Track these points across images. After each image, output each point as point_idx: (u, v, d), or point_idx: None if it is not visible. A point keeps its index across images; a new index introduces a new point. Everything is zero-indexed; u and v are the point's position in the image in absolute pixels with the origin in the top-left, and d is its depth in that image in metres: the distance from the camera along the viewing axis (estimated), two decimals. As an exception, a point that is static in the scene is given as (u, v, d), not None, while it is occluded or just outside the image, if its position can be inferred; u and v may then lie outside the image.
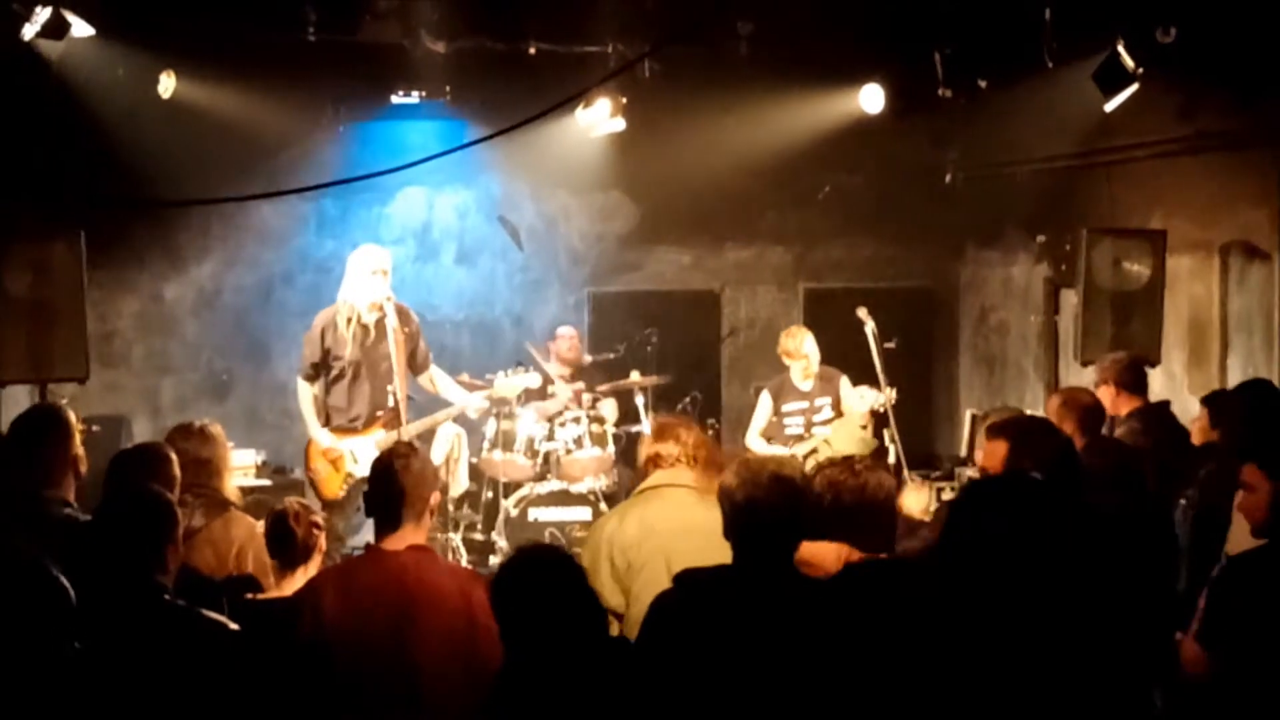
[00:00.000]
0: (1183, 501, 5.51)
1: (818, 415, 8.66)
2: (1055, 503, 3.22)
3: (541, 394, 9.21)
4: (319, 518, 5.04)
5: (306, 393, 7.69)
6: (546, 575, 3.52)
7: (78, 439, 5.06)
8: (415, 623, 4.09)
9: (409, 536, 4.24)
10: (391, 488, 4.25)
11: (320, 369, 7.64)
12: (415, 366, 7.82)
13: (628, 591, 4.56)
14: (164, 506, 3.96)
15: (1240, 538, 4.56)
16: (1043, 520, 3.14)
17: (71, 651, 3.43)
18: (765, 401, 8.85)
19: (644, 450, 4.99)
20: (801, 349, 8.60)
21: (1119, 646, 3.33)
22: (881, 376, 8.24)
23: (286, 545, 4.92)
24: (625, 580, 4.58)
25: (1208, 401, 6.19)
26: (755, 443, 8.71)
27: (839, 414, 8.64)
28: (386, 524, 4.25)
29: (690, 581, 3.71)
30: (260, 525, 5.18)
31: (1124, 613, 3.70)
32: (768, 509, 3.67)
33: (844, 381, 8.72)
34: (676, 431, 4.90)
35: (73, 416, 5.11)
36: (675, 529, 4.57)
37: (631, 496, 5.04)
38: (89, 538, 3.91)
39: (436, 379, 8.00)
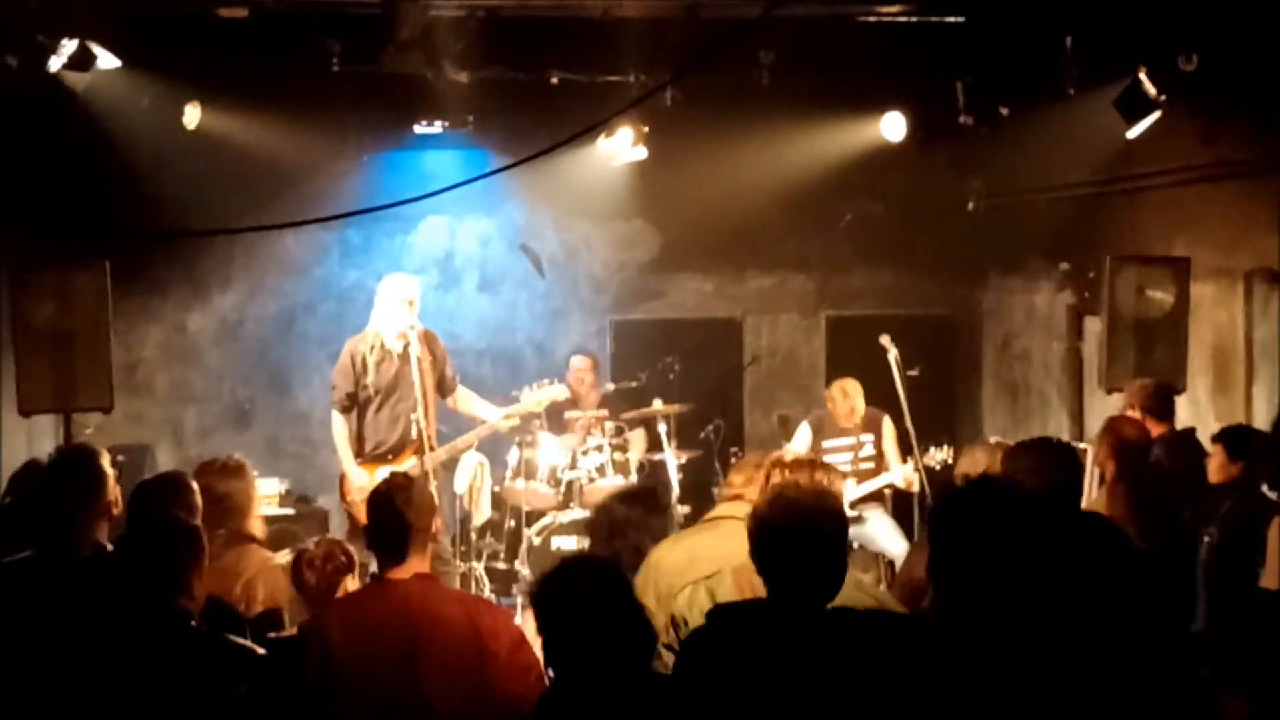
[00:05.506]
0: (1206, 539, 5.46)
1: (862, 452, 8.67)
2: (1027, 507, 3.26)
3: (560, 419, 9.22)
4: (345, 559, 4.96)
5: (341, 426, 7.63)
6: (591, 582, 3.47)
7: (111, 482, 4.92)
8: (423, 652, 4.06)
9: (414, 565, 4.24)
10: (396, 520, 4.24)
11: (353, 399, 7.63)
12: (443, 389, 7.83)
13: (668, 614, 4.53)
14: (188, 533, 3.97)
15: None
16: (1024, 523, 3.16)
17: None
18: (805, 434, 8.89)
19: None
20: (851, 402, 8.73)
21: (1131, 681, 3.31)
22: (914, 443, 8.39)
23: (303, 588, 4.92)
24: (667, 603, 4.55)
25: (1224, 437, 6.13)
26: None
27: (880, 452, 8.72)
28: (392, 556, 4.24)
29: (720, 616, 3.62)
30: (275, 558, 5.17)
31: (1139, 647, 3.65)
32: (778, 535, 3.49)
33: (886, 422, 8.74)
34: (746, 465, 5.03)
35: (106, 460, 4.96)
36: (718, 559, 4.49)
37: (696, 524, 5.10)
38: (113, 565, 3.92)
39: (463, 399, 8.00)
